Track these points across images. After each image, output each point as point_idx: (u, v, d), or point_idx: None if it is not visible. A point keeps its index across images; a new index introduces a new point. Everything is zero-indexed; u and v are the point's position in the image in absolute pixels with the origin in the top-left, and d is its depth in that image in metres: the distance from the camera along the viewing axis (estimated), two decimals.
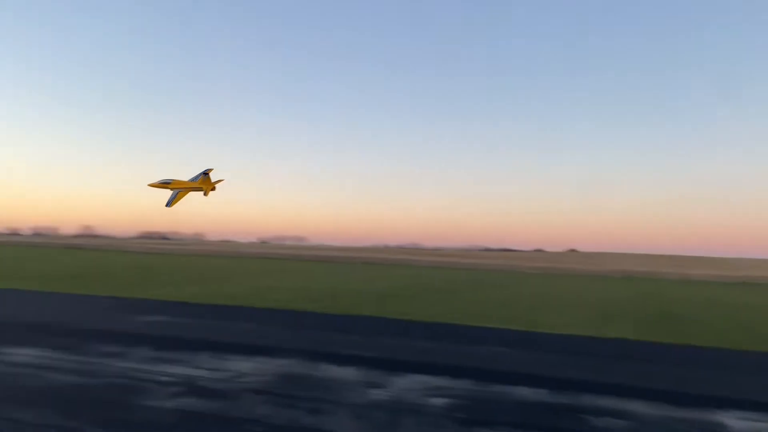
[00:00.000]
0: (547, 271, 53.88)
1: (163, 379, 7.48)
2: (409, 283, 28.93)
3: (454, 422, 6.38)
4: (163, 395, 6.75)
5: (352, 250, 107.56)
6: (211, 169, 21.52)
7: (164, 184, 21.31)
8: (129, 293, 17.85)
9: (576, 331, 13.84)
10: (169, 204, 21.07)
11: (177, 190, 21.28)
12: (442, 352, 10.57)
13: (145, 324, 12.19)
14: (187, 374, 7.79)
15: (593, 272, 53.37)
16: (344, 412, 6.57)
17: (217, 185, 21.10)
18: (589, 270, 56.16)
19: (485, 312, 17.40)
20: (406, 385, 7.93)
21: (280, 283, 25.52)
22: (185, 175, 21.85)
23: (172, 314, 13.85)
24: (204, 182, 21.17)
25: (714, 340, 13.33)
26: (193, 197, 21.06)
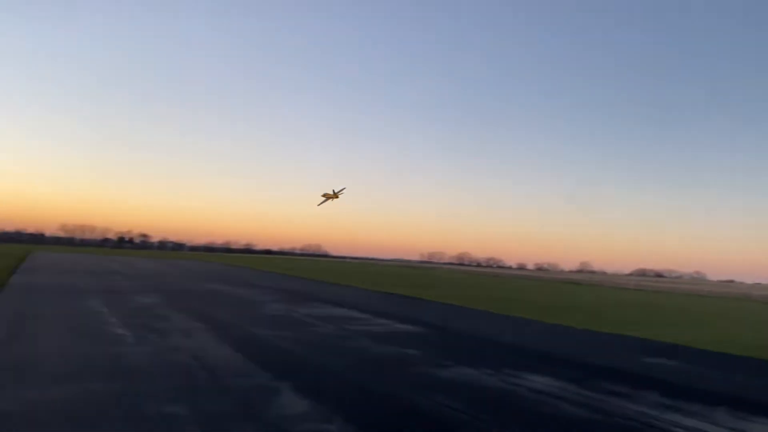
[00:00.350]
0: None
1: (677, 430, 6.85)
2: None
3: None
4: None
5: None
6: (342, 188, 45.55)
7: (325, 195, 44.98)
8: (627, 331, 17.60)
9: None
10: (318, 205, 46.37)
11: (325, 198, 45.41)
12: None
13: (649, 366, 11.64)
14: (704, 431, 6.94)
15: None
16: None
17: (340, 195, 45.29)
18: None
19: None
20: None
21: None
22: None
23: (676, 358, 12.85)
24: (335, 194, 44.75)
25: None
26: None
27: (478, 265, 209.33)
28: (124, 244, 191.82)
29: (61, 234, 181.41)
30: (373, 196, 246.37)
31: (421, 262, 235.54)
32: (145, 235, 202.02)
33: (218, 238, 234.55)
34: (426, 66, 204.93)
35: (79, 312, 14.92)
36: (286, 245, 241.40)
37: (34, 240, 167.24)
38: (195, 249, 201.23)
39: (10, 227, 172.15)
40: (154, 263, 56.96)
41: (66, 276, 28.49)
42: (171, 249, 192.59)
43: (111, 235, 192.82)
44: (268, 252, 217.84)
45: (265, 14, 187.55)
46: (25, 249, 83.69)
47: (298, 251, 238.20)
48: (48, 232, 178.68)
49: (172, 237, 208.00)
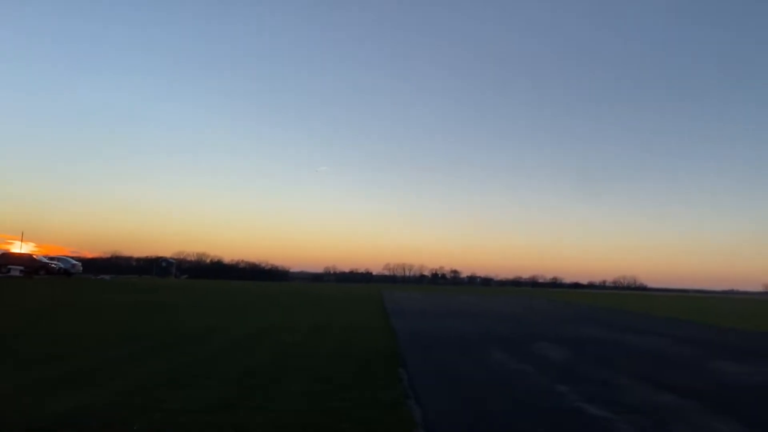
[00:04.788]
0: None
1: None
2: None
3: None
4: None
5: None
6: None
7: None
8: None
9: None
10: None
11: None
12: None
13: None
14: None
15: None
16: None
17: None
18: None
19: None
20: None
21: None
22: None
23: None
24: None
25: None
26: None
27: None
28: (438, 280, 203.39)
29: (386, 272, 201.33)
30: (696, 218, 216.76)
31: (764, 293, 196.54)
32: (455, 271, 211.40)
33: (524, 272, 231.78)
34: None
35: (504, 373, 12.26)
36: (596, 278, 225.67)
37: (364, 279, 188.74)
38: (503, 284, 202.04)
39: (345, 268, 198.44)
40: (486, 300, 55.86)
41: (432, 318, 27.61)
42: (479, 284, 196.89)
43: (426, 272, 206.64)
44: (577, 285, 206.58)
45: None
46: (366, 287, 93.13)
47: (609, 284, 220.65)
48: (375, 271, 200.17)
49: (480, 272, 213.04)
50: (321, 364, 12.08)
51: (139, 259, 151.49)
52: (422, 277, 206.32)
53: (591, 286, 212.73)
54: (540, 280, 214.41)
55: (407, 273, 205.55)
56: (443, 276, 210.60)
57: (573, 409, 8.81)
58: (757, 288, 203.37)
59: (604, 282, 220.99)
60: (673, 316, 36.53)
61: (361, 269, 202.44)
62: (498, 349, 15.90)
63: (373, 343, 16.01)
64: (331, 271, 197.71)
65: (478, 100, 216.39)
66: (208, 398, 8.37)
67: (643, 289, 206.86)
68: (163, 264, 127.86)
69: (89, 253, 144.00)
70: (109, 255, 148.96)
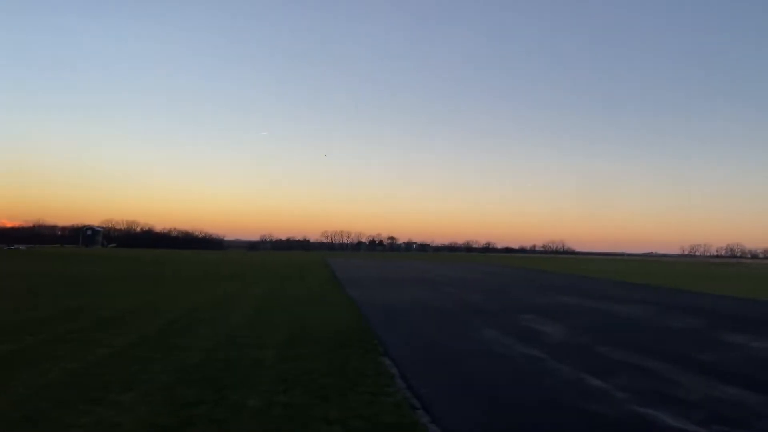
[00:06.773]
0: None
1: None
2: None
3: None
4: None
5: None
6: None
7: None
8: None
9: None
10: None
11: None
12: None
13: None
14: None
15: None
16: None
17: None
18: None
19: None
20: None
21: None
22: None
23: None
24: None
25: None
26: None
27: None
28: (376, 247, 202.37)
29: (323, 240, 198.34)
30: (618, 185, 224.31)
31: (682, 255, 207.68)
32: (392, 238, 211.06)
33: (458, 238, 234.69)
34: None
35: (515, 361, 9.80)
36: (526, 243, 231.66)
37: (302, 246, 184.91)
38: (439, 249, 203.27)
39: (282, 236, 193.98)
40: (436, 266, 54.22)
41: (392, 288, 25.17)
42: (416, 250, 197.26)
43: (363, 239, 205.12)
44: (509, 250, 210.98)
45: None
46: (308, 254, 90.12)
47: (539, 248, 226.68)
48: (312, 239, 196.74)
49: (416, 238, 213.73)
50: (282, 356, 9.21)
51: (64, 228, 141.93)
52: (360, 243, 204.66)
53: (522, 250, 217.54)
54: (474, 245, 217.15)
55: (345, 240, 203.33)
56: (381, 242, 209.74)
57: (640, 419, 6.43)
58: (675, 251, 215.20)
59: (534, 246, 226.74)
60: (636, 281, 35.61)
61: (299, 237, 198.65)
62: (486, 326, 13.57)
63: (339, 322, 13.29)
64: (268, 239, 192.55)
65: (401, 62, 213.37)
66: (124, 427, 5.42)
67: (572, 252, 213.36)
68: (89, 233, 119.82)
69: (8, 222, 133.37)
70: (31, 224, 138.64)
